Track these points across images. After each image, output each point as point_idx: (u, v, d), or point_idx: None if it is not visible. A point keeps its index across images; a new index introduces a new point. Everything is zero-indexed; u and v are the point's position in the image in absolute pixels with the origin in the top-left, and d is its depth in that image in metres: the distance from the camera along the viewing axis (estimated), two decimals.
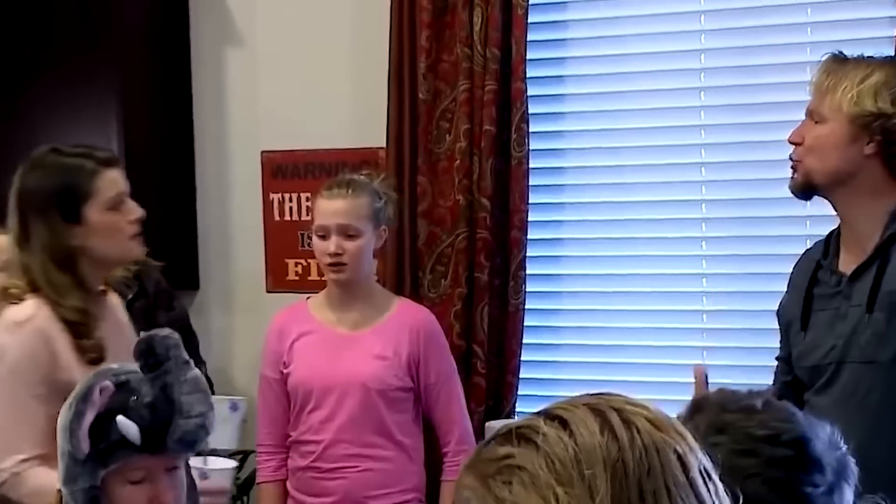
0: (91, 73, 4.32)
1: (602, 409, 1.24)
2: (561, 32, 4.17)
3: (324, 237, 3.58)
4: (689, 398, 3.67)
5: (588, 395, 1.29)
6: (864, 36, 3.71)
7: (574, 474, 1.18)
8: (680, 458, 1.21)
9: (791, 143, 2.86)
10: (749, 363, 3.74)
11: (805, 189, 2.86)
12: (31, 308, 2.90)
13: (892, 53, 3.52)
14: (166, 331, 2.43)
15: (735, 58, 3.95)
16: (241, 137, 4.54)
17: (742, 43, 3.93)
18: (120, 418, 2.32)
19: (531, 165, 4.05)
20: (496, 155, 4.02)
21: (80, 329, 2.90)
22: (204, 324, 4.55)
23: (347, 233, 3.57)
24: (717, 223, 4.00)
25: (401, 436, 3.60)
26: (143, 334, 2.43)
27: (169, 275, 4.34)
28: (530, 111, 4.04)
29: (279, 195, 4.46)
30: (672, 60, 4.02)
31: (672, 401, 3.85)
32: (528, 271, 4.07)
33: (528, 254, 4.07)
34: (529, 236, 4.07)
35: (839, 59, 2.83)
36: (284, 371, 3.65)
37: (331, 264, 3.58)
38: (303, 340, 3.64)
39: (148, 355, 2.38)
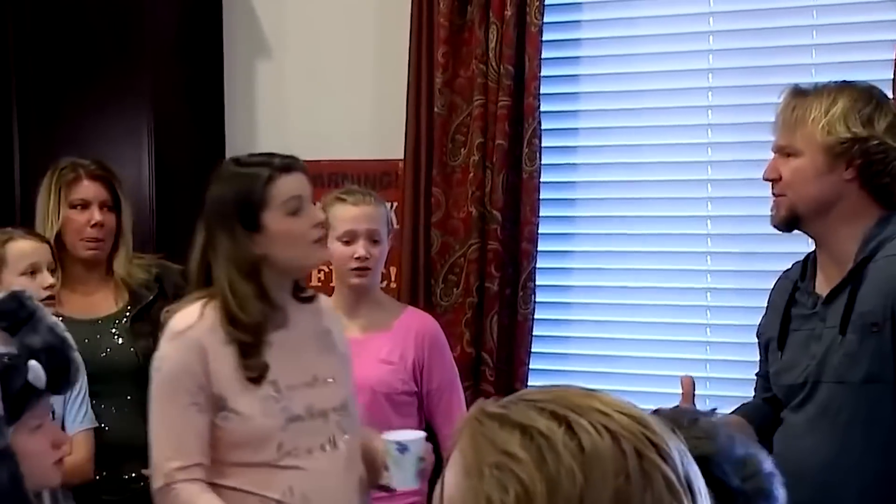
0: (123, 84, 4.46)
1: (621, 439, 1.20)
2: (574, 50, 4.28)
3: (349, 242, 3.69)
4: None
5: (600, 403, 1.24)
6: (868, 39, 3.81)
7: None
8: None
9: (767, 180, 2.94)
10: (750, 376, 3.80)
11: (789, 222, 2.94)
12: (193, 316, 2.94)
13: (894, 56, 3.60)
14: (18, 289, 2.53)
15: (742, 77, 4.04)
16: (270, 147, 4.60)
17: (749, 58, 4.03)
18: (33, 363, 2.41)
19: (543, 179, 4.16)
20: (508, 168, 4.13)
21: (248, 348, 2.93)
22: None
23: (374, 238, 3.69)
24: (721, 239, 4.09)
25: None
26: (5, 294, 2.50)
27: None
28: (543, 127, 4.15)
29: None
30: (683, 78, 4.12)
31: None
32: (538, 282, 4.18)
33: (538, 265, 4.18)
34: (540, 248, 4.18)
35: (799, 92, 2.90)
36: None
37: (357, 269, 3.69)
38: None
39: (20, 309, 2.47)
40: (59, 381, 2.50)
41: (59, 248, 3.77)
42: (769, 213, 2.98)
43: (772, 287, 3.14)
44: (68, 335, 2.57)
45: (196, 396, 2.90)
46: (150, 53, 4.49)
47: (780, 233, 3.00)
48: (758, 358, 3.22)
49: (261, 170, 2.96)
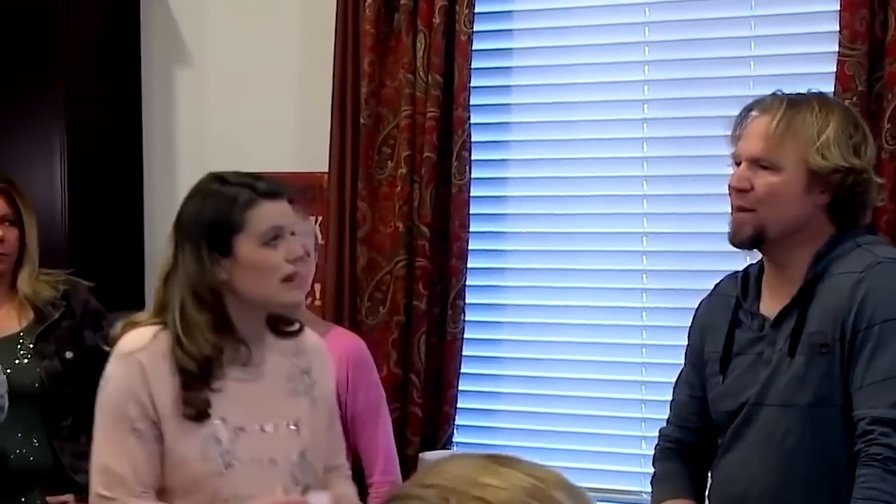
0: (35, 92, 4.30)
1: None
2: (505, 60, 4.13)
3: None
4: (625, 434, 3.65)
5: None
6: (806, 51, 3.70)
7: None
8: None
9: (738, 189, 2.78)
10: None
11: (753, 241, 2.79)
12: (145, 338, 2.70)
13: (833, 69, 3.49)
14: None
15: (678, 89, 3.91)
16: (190, 158, 4.51)
17: (685, 70, 3.90)
18: None
19: (473, 194, 4.02)
20: (437, 182, 3.99)
21: (191, 381, 2.67)
22: None
23: (305, 254, 3.53)
24: (657, 256, 3.96)
25: None
26: None
27: (115, 294, 4.33)
28: (474, 139, 4.02)
29: None
30: (618, 90, 3.99)
31: (610, 434, 3.86)
32: (468, 300, 4.04)
33: (469, 283, 4.03)
34: (470, 265, 4.03)
35: (791, 105, 2.75)
36: None
37: None
38: None
39: None
40: None
41: None
42: (724, 230, 2.83)
43: (699, 305, 3.01)
44: None
45: (137, 422, 2.65)
46: (65, 60, 4.34)
47: (725, 250, 2.87)
48: None
49: (242, 191, 2.71)
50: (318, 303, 4.17)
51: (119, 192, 4.50)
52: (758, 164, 2.75)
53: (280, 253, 2.71)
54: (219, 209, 2.70)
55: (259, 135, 4.40)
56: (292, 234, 2.76)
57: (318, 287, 4.15)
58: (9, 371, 3.54)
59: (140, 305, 4.49)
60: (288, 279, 2.72)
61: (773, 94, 2.81)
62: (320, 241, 3.99)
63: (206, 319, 2.68)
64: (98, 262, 4.33)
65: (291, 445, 2.78)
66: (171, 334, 2.68)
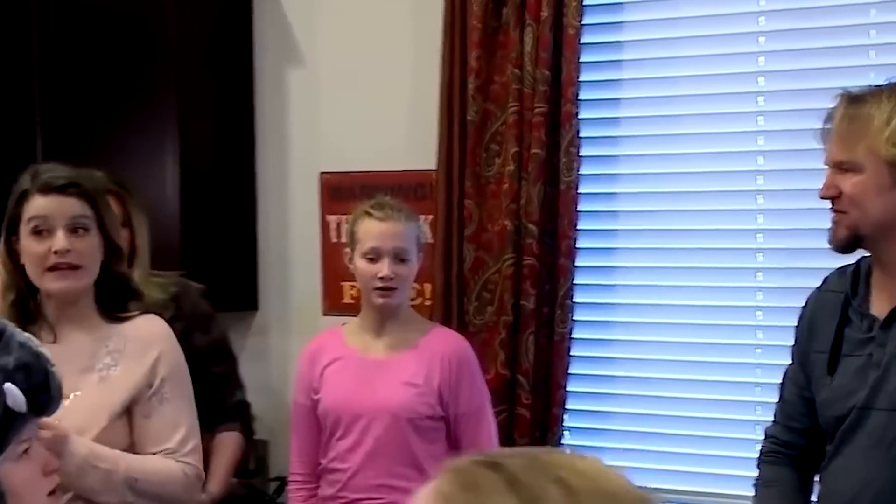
0: (149, 96, 4.32)
1: None
2: (615, 54, 4.04)
3: (373, 260, 3.51)
4: (738, 437, 3.54)
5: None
6: None
7: None
8: None
9: (826, 198, 2.69)
10: None
11: (850, 243, 2.70)
12: None
13: None
14: None
15: (795, 80, 3.78)
16: (301, 158, 4.51)
17: (801, 60, 3.77)
18: (8, 386, 2.23)
19: (582, 190, 3.94)
20: (545, 179, 3.91)
21: None
22: (262, 346, 4.54)
23: (401, 256, 3.50)
24: (773, 254, 3.84)
25: (431, 467, 3.49)
26: None
27: (228, 295, 4.35)
28: (583, 134, 3.94)
29: (336, 217, 4.40)
30: (731, 83, 3.87)
31: (723, 438, 3.76)
32: (578, 299, 3.96)
33: (579, 281, 3.96)
34: (580, 263, 3.95)
35: (853, 100, 2.65)
36: (315, 397, 3.59)
37: (381, 288, 3.50)
38: (333, 366, 3.58)
39: None
40: (40, 400, 2.31)
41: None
42: (826, 229, 2.74)
43: (807, 300, 2.90)
44: (44, 350, 2.38)
45: None
46: (177, 63, 4.35)
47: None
48: None
49: (23, 183, 2.92)
50: (427, 302, 4.13)
51: (232, 193, 4.51)
52: (840, 167, 2.66)
53: (46, 243, 2.86)
54: (10, 200, 2.93)
55: (369, 134, 4.38)
56: (81, 227, 2.88)
57: (427, 287, 4.12)
58: None
59: (253, 307, 4.53)
60: (50, 269, 2.87)
61: (841, 92, 2.70)
62: (428, 240, 3.94)
63: (7, 299, 2.92)
64: (211, 264, 4.35)
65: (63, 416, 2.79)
66: None
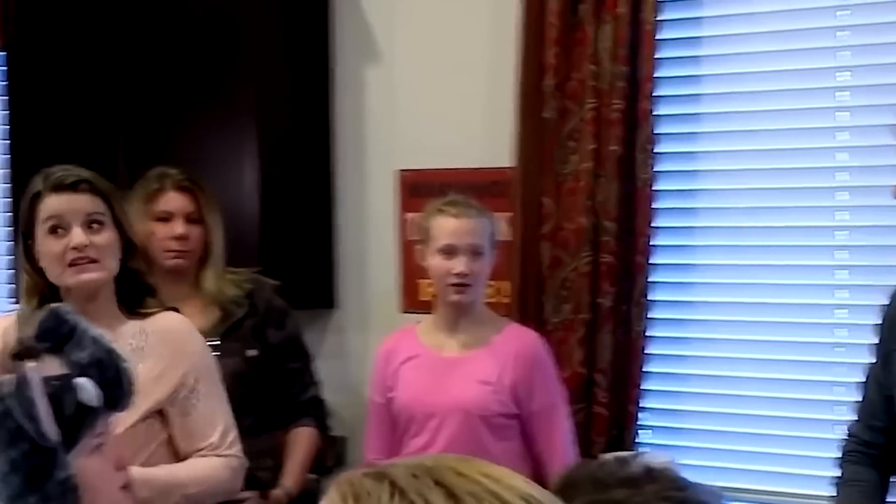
0: (228, 92, 4.34)
1: None
2: (694, 49, 3.99)
3: (449, 256, 3.51)
4: (815, 437, 3.47)
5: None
6: None
7: None
8: None
9: None
10: None
11: None
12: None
13: None
14: (55, 305, 2.43)
15: (877, 75, 3.72)
16: (379, 156, 4.51)
17: (883, 55, 3.70)
18: (81, 380, 2.25)
19: (660, 187, 3.91)
20: (622, 176, 3.88)
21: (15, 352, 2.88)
22: (340, 343, 4.55)
23: (476, 252, 3.50)
24: (855, 250, 3.77)
25: (505, 465, 3.47)
26: (44, 313, 2.40)
27: (306, 293, 4.37)
28: (662, 131, 3.91)
29: (413, 214, 4.40)
30: (811, 78, 3.81)
31: (800, 437, 3.70)
32: (655, 298, 3.93)
33: (656, 279, 3.93)
34: (658, 261, 3.93)
35: None
36: (389, 395, 3.60)
37: (456, 284, 3.50)
38: (407, 365, 3.59)
39: (59, 326, 2.34)
40: (113, 395, 2.33)
41: (147, 262, 3.66)
42: None
43: (891, 297, 2.85)
44: (116, 346, 2.42)
45: None
46: (255, 62, 4.36)
47: None
48: None
49: (36, 184, 2.94)
50: (504, 300, 4.11)
51: (309, 191, 4.53)
52: None
53: (63, 240, 2.89)
54: (24, 202, 2.97)
55: (446, 131, 4.37)
56: (96, 223, 2.91)
57: (505, 285, 4.10)
58: None
59: (329, 304, 4.54)
60: (71, 264, 2.89)
61: None
62: (503, 237, 3.92)
63: (35, 301, 2.93)
64: (289, 262, 4.36)
65: None
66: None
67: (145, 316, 3.00)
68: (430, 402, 3.51)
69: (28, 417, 2.20)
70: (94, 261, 2.90)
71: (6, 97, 4.65)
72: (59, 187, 2.91)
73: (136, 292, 3.01)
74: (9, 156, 4.61)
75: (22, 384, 2.22)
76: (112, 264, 2.95)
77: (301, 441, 3.78)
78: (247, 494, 3.54)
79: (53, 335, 2.35)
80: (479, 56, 4.33)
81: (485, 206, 3.67)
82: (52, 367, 2.32)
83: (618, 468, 1.50)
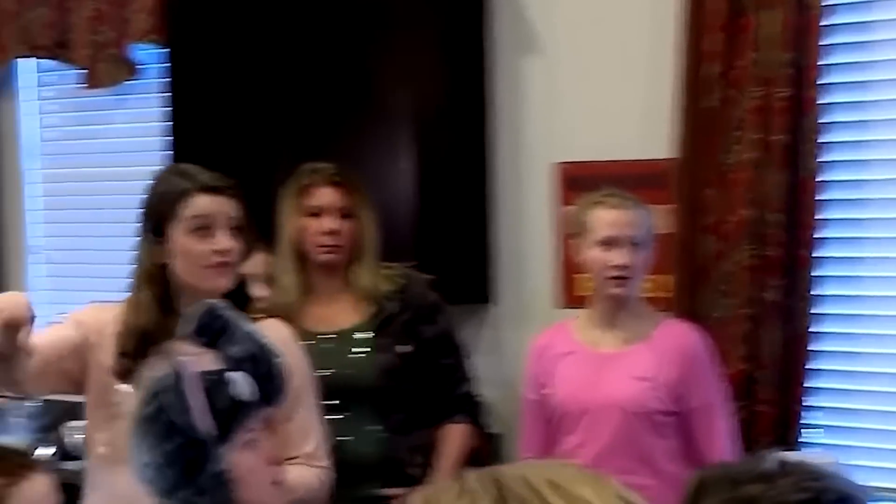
0: (384, 87, 4.30)
1: None
2: (864, 34, 3.83)
3: (608, 249, 3.42)
4: None
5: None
6: None
7: None
8: None
9: None
10: None
11: None
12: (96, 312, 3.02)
13: None
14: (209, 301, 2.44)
15: None
16: (536, 148, 4.43)
17: None
18: (234, 374, 2.26)
19: (828, 178, 3.77)
20: (786, 167, 3.74)
21: (121, 342, 2.92)
22: (495, 339, 4.48)
23: (635, 245, 3.42)
24: None
25: (664, 463, 3.38)
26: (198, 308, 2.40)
27: (461, 288, 4.31)
28: (831, 119, 3.77)
29: (570, 208, 4.31)
30: None
31: None
32: (823, 292, 3.78)
33: (823, 273, 3.78)
34: (826, 254, 3.78)
35: None
36: (543, 392, 3.53)
37: (616, 277, 3.42)
38: (562, 361, 3.51)
39: (213, 321, 2.35)
40: (266, 390, 2.34)
41: (300, 257, 3.65)
42: None
43: None
44: (269, 340, 2.42)
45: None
46: (410, 55, 4.31)
47: None
48: None
49: (183, 182, 2.93)
50: (664, 294, 4.00)
51: (465, 185, 4.47)
52: None
53: (207, 242, 2.89)
54: (161, 197, 2.94)
55: (604, 122, 4.27)
56: (237, 228, 2.92)
57: (664, 279, 3.99)
58: (347, 364, 3.58)
59: (484, 299, 4.48)
60: (212, 266, 2.89)
61: None
62: (660, 231, 3.81)
63: (148, 296, 2.92)
64: (445, 257, 4.31)
65: None
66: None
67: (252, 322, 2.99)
68: (585, 398, 3.43)
69: (183, 411, 2.22)
70: (231, 266, 2.92)
71: (168, 94, 4.68)
72: (209, 188, 2.91)
73: (240, 298, 2.98)
74: (171, 152, 4.64)
75: (177, 378, 2.25)
76: (237, 270, 2.98)
77: (453, 438, 3.71)
78: (400, 491, 3.51)
79: (209, 331, 2.36)
80: (638, 45, 4.22)
81: (643, 198, 3.58)
82: (207, 361, 2.33)
83: (752, 465, 1.47)
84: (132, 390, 2.60)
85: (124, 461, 2.40)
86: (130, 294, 2.95)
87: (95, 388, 2.95)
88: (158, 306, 2.92)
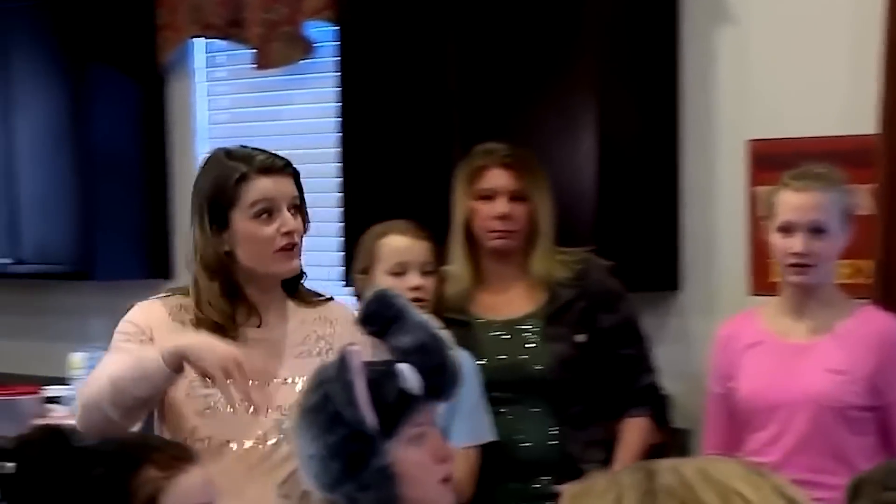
0: (567, 65, 4.10)
1: None
2: None
3: (788, 234, 3.25)
4: None
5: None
6: None
7: None
8: None
9: None
10: None
11: None
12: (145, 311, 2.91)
13: None
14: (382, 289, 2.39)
15: None
16: (729, 125, 4.18)
17: None
18: (403, 366, 2.18)
19: None
20: None
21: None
22: (683, 328, 4.26)
23: (817, 229, 3.23)
24: None
25: (860, 462, 3.12)
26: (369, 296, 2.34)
27: (645, 274, 4.11)
28: None
29: (763, 188, 4.05)
30: None
31: None
32: None
33: None
34: None
35: None
36: (729, 385, 3.34)
37: (794, 265, 3.25)
38: (749, 352, 3.33)
39: (385, 309, 2.29)
40: (437, 383, 2.25)
41: (470, 241, 3.52)
42: None
43: None
44: (443, 332, 2.33)
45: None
46: (594, 29, 4.10)
47: None
48: None
49: (239, 166, 2.81)
50: (865, 281, 3.72)
51: (652, 165, 4.23)
52: None
53: (273, 225, 2.79)
54: (216, 184, 2.82)
55: (802, 96, 4.00)
56: (296, 207, 2.83)
57: (864, 263, 3.71)
58: (521, 353, 3.43)
59: (672, 286, 4.26)
60: (281, 250, 2.79)
61: None
62: (863, 212, 3.54)
63: (216, 287, 2.81)
64: (628, 241, 4.10)
65: (283, 398, 2.80)
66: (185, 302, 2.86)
67: (315, 304, 2.94)
68: (775, 393, 3.24)
69: (347, 402, 2.16)
70: (297, 247, 2.84)
71: (338, 73, 4.57)
72: (268, 170, 2.81)
73: (295, 279, 2.92)
74: (340, 133, 4.53)
75: (342, 368, 2.17)
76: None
77: (634, 432, 3.53)
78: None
79: (380, 319, 2.31)
80: (840, 12, 3.94)
81: (845, 177, 3.34)
82: (376, 351, 2.32)
83: None
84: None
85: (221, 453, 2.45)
86: (194, 287, 2.85)
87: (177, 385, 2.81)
88: (226, 297, 2.83)
